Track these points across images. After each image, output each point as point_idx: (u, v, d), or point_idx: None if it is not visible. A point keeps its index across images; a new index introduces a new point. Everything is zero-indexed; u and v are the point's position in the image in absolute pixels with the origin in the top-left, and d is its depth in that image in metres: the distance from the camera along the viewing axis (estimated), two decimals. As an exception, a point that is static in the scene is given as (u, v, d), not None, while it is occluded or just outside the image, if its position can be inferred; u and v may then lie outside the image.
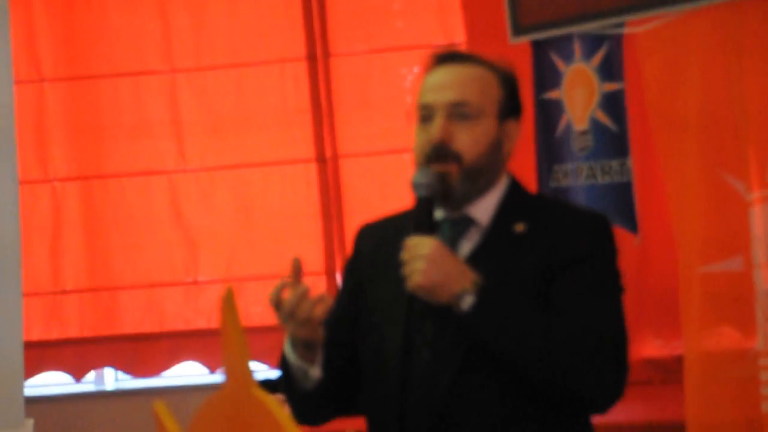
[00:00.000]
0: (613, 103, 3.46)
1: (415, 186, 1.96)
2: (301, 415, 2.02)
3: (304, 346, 1.94)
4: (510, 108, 2.03)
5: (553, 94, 3.63)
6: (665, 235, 3.32)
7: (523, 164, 3.73)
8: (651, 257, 3.54)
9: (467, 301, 1.88)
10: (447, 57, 2.05)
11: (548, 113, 3.65)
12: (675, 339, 3.45)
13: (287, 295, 1.89)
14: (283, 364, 1.99)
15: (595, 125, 3.50)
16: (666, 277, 3.41)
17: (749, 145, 2.93)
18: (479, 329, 1.89)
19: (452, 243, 1.98)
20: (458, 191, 1.97)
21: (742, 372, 2.84)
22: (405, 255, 1.91)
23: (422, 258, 1.89)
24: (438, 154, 1.96)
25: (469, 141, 1.97)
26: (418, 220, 1.95)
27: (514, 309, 1.89)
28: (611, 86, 3.46)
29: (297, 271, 1.90)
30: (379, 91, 4.45)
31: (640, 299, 3.64)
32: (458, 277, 1.89)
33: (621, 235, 3.43)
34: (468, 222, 2.01)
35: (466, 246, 2.00)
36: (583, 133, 3.53)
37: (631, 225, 3.40)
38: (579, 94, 3.53)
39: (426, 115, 2.00)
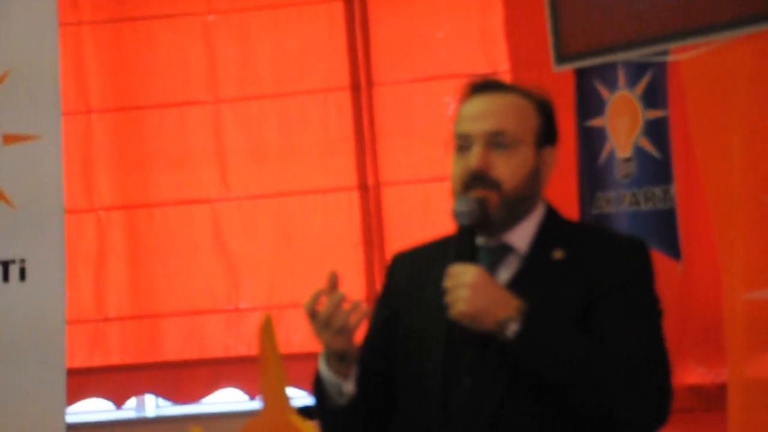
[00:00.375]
0: (657, 131, 3.44)
1: (457, 215, 1.96)
2: (334, 431, 2.01)
3: (338, 359, 1.94)
4: (547, 135, 2.04)
5: (596, 122, 3.61)
6: (709, 261, 3.28)
7: (565, 191, 3.72)
8: (694, 284, 3.50)
9: (512, 329, 1.88)
10: (483, 86, 2.06)
11: (591, 141, 3.63)
12: (719, 366, 3.40)
13: (323, 303, 1.89)
14: (317, 381, 1.98)
15: (639, 152, 3.47)
16: (709, 303, 3.37)
17: (794, 171, 2.90)
18: (525, 356, 1.88)
19: (490, 270, 1.98)
20: (497, 219, 1.97)
21: (786, 400, 2.80)
22: (448, 283, 1.91)
23: (466, 286, 1.89)
24: (476, 182, 1.96)
25: (508, 170, 1.98)
26: (459, 248, 1.94)
27: (559, 335, 1.88)
28: (655, 113, 3.44)
29: (333, 283, 1.90)
30: (421, 120, 4.46)
31: (683, 326, 3.59)
32: (502, 304, 1.88)
33: (664, 261, 3.40)
34: (506, 249, 2.01)
35: (505, 273, 2.00)
36: (627, 160, 3.50)
37: (675, 252, 3.36)
38: (623, 121, 3.51)
39: (463, 144, 2.01)
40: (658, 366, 1.90)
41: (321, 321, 1.88)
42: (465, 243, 1.95)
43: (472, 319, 1.89)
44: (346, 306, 1.89)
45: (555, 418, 1.88)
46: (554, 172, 3.82)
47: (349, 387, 1.95)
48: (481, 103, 2.03)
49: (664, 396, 1.90)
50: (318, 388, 1.99)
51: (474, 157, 1.97)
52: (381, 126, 4.52)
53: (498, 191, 1.97)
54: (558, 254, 1.97)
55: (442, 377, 1.94)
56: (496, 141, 1.98)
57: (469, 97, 2.06)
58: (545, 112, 2.04)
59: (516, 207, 1.99)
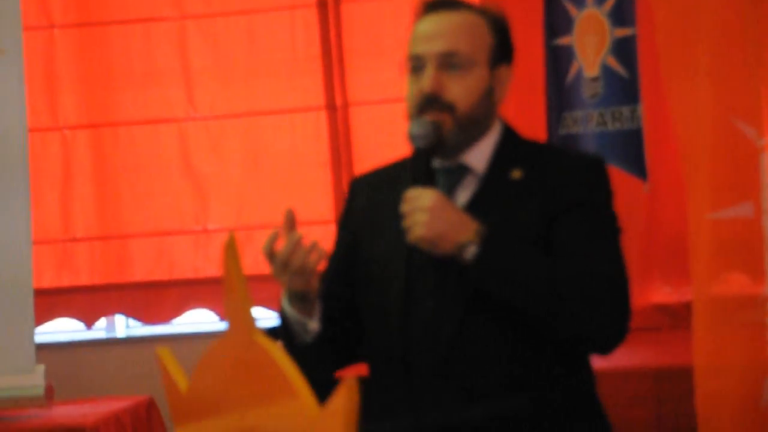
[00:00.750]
0: (625, 49, 3.42)
1: (413, 137, 1.95)
2: (302, 368, 2.02)
3: (300, 299, 1.94)
4: (502, 54, 2.02)
5: (564, 41, 3.60)
6: (675, 181, 3.30)
7: (533, 111, 3.71)
8: (660, 204, 3.53)
9: (471, 251, 1.88)
10: (437, 4, 2.03)
11: (559, 60, 3.61)
12: (684, 285, 3.45)
13: (280, 245, 1.88)
14: (281, 319, 1.98)
15: (606, 72, 3.47)
16: (675, 223, 3.40)
17: (762, 91, 2.90)
18: (484, 278, 1.89)
19: (449, 192, 1.98)
20: (452, 141, 1.96)
21: (750, 317, 2.84)
22: (405, 207, 1.91)
23: (423, 210, 1.88)
24: (430, 104, 1.95)
25: (461, 91, 1.96)
26: (416, 171, 1.94)
27: (518, 256, 1.90)
28: (623, 32, 3.42)
29: (290, 221, 1.89)
30: (390, 38, 4.41)
31: (649, 246, 3.63)
32: (460, 227, 1.89)
33: (630, 182, 3.41)
34: (463, 170, 2.00)
35: (463, 194, 1.99)
36: (594, 79, 3.49)
37: (641, 172, 3.38)
38: (590, 40, 3.49)
39: (417, 66, 1.99)
40: (617, 283, 1.92)
41: (279, 262, 1.87)
42: (421, 166, 1.94)
43: (431, 243, 1.89)
44: (305, 246, 1.87)
45: (516, 339, 1.90)
46: (522, 92, 3.82)
47: (313, 325, 1.95)
48: (433, 23, 2.00)
49: (623, 313, 1.92)
50: (284, 326, 1.99)
51: (426, 80, 1.95)
52: (349, 45, 4.47)
53: (451, 114, 1.95)
54: (516, 174, 1.97)
55: (404, 300, 1.95)
56: (448, 62, 1.96)
57: (422, 15, 2.03)
58: (500, 29, 2.02)
59: (470, 128, 1.97)
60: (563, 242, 1.91)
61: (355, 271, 2.04)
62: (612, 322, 1.90)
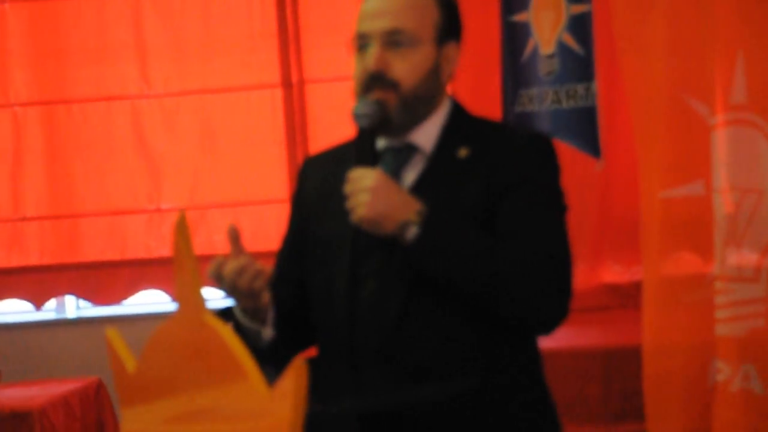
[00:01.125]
0: (581, 26, 3.42)
1: (356, 117, 1.93)
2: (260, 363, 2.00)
3: (251, 313, 1.93)
4: (449, 30, 1.99)
5: (520, 17, 3.58)
6: (628, 160, 3.31)
7: (489, 89, 3.71)
8: (613, 182, 3.54)
9: (411, 232, 1.87)
10: None
11: (515, 37, 3.60)
12: (635, 265, 3.47)
13: (227, 267, 1.86)
14: (235, 327, 1.96)
15: (562, 49, 3.46)
16: (628, 202, 3.41)
17: (715, 69, 2.91)
18: (423, 259, 1.88)
19: (396, 171, 1.96)
20: (397, 120, 1.94)
21: (699, 296, 2.85)
22: (348, 188, 1.89)
23: (365, 190, 1.87)
24: (375, 83, 1.93)
25: (405, 69, 1.94)
26: (360, 151, 1.92)
27: (458, 236, 1.88)
28: (579, 8, 3.42)
29: (235, 240, 1.87)
30: (346, 16, 4.38)
31: (602, 225, 3.64)
32: (402, 207, 1.87)
33: (584, 160, 3.42)
34: (411, 149, 1.99)
35: (411, 174, 1.98)
36: (550, 56, 3.49)
37: (595, 150, 3.38)
38: (547, 16, 3.48)
39: (362, 44, 1.96)
40: (558, 262, 1.91)
41: (227, 286, 1.86)
42: (365, 146, 1.92)
43: (373, 223, 1.87)
44: (251, 270, 1.85)
45: (460, 320, 1.89)
46: (478, 69, 3.80)
47: (267, 332, 1.94)
48: (378, 1, 1.99)
49: (564, 292, 1.91)
50: (238, 332, 1.97)
51: (370, 58, 1.93)
52: (305, 22, 4.44)
53: (396, 92, 1.93)
54: (463, 152, 1.96)
55: (349, 281, 1.94)
56: (392, 40, 1.94)
57: None
58: (447, 5, 2.00)
59: (416, 106, 1.96)
60: (507, 220, 1.90)
61: (306, 252, 2.03)
62: (552, 301, 1.89)
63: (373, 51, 1.94)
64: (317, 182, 2.06)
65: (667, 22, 2.98)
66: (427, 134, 1.98)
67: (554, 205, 1.96)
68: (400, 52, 1.94)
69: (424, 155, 1.98)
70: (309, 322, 2.02)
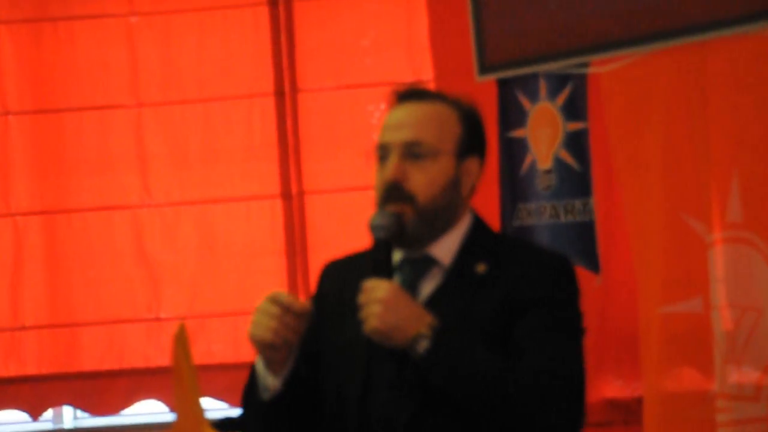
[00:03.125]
0: (577, 143, 3.47)
1: (373, 228, 1.96)
2: (255, 427, 2.00)
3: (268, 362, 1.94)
4: (471, 145, 2.03)
5: (518, 133, 3.64)
6: (627, 275, 3.32)
7: (487, 202, 3.74)
8: (612, 297, 3.55)
9: (422, 345, 1.88)
10: (407, 94, 2.05)
11: (513, 152, 3.65)
12: (636, 380, 3.45)
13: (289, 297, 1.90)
14: (251, 371, 1.98)
15: (559, 164, 3.51)
16: (627, 317, 3.41)
17: (711, 186, 2.95)
18: (433, 372, 1.88)
19: (413, 283, 1.98)
20: (413, 232, 1.97)
21: (700, 414, 2.84)
22: (361, 298, 1.91)
23: (378, 302, 1.88)
24: (392, 194, 1.96)
25: (423, 181, 1.97)
26: (375, 262, 1.94)
27: (469, 353, 1.89)
28: (576, 126, 3.47)
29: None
30: (346, 128, 4.45)
31: (601, 339, 3.63)
32: (413, 320, 1.88)
33: (582, 275, 3.43)
34: (430, 262, 2.00)
35: (428, 287, 1.99)
36: (547, 172, 3.53)
37: (593, 265, 3.40)
38: (544, 133, 3.54)
39: (383, 155, 2.00)
40: (571, 381, 1.91)
41: (272, 320, 1.91)
42: (381, 257, 1.94)
43: (384, 335, 1.89)
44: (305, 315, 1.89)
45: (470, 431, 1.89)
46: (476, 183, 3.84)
47: (274, 382, 1.94)
48: (401, 113, 2.02)
49: (576, 411, 1.91)
50: (250, 377, 1.98)
51: (389, 169, 1.97)
52: (305, 133, 4.50)
53: (413, 204, 1.96)
54: (481, 268, 1.97)
55: (361, 391, 1.94)
56: (412, 151, 1.97)
57: (393, 105, 2.06)
58: (470, 121, 2.03)
59: (433, 220, 1.98)
60: (521, 339, 1.91)
61: (320, 356, 2.03)
62: (562, 420, 1.89)
63: (392, 161, 1.97)
64: (335, 288, 2.07)
65: (663, 140, 3.04)
66: (446, 248, 2.00)
67: (570, 326, 1.97)
68: (418, 163, 1.97)
69: (442, 269, 2.00)
70: (312, 420, 2.01)
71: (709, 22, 3.03)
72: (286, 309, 1.90)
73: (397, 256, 2.00)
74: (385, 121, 2.03)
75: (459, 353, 1.88)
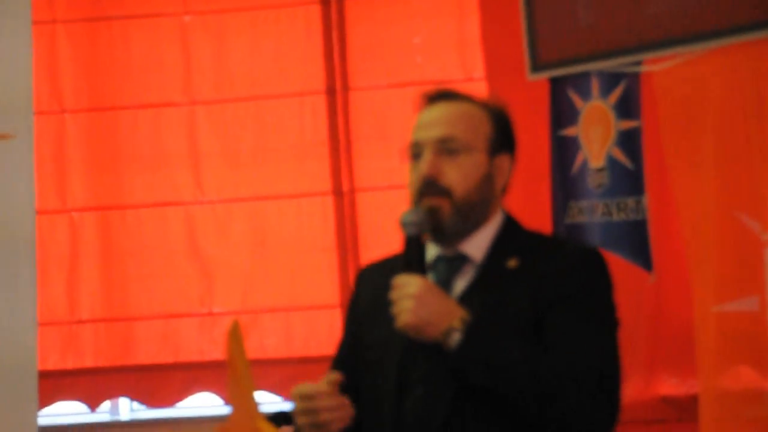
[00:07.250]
0: (630, 141, 3.46)
1: (403, 225, 1.98)
2: None
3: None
4: (501, 143, 2.05)
5: (570, 131, 3.64)
6: (680, 273, 3.31)
7: (539, 200, 3.74)
8: (666, 295, 3.53)
9: (454, 339, 1.90)
10: (437, 96, 2.08)
11: (565, 150, 3.65)
12: (691, 378, 3.43)
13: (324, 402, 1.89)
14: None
15: (612, 163, 3.50)
16: (681, 315, 3.39)
17: (765, 185, 2.93)
18: (466, 365, 1.90)
19: (447, 280, 2.00)
20: (449, 226, 1.99)
21: (757, 412, 2.82)
22: (393, 294, 1.93)
23: (409, 297, 1.91)
24: (428, 189, 1.99)
25: (458, 175, 2.00)
26: (407, 258, 1.97)
27: (501, 345, 1.91)
28: (628, 124, 3.46)
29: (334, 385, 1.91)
30: (397, 125, 4.46)
31: (655, 337, 3.62)
32: (445, 314, 1.91)
33: (635, 273, 3.42)
34: (462, 259, 2.03)
35: (461, 282, 2.02)
36: (600, 170, 3.53)
37: (646, 263, 3.39)
38: (596, 131, 3.53)
39: (416, 153, 2.03)
40: (606, 374, 1.92)
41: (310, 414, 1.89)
42: (412, 253, 1.97)
43: (416, 329, 1.91)
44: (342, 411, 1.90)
45: (505, 426, 1.90)
46: (528, 181, 3.85)
47: None
48: (433, 112, 2.05)
49: (611, 404, 1.92)
50: None
51: (424, 164, 2.00)
52: (356, 131, 4.52)
53: (449, 198, 1.99)
54: (512, 263, 1.99)
55: (396, 387, 1.96)
56: (446, 147, 2.00)
57: (424, 107, 2.09)
58: (499, 120, 2.06)
59: (468, 213, 2.00)
60: (554, 333, 1.93)
61: (359, 359, 2.05)
62: (597, 412, 1.90)
63: (427, 157, 2.00)
64: (370, 290, 2.10)
65: (716, 139, 3.02)
66: (478, 245, 2.03)
67: (603, 318, 1.98)
68: (452, 159, 2.00)
69: (474, 265, 2.01)
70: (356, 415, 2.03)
71: (763, 21, 3.01)
72: (314, 396, 1.90)
73: (431, 253, 2.02)
74: (418, 120, 2.07)
75: (491, 345, 1.89)
